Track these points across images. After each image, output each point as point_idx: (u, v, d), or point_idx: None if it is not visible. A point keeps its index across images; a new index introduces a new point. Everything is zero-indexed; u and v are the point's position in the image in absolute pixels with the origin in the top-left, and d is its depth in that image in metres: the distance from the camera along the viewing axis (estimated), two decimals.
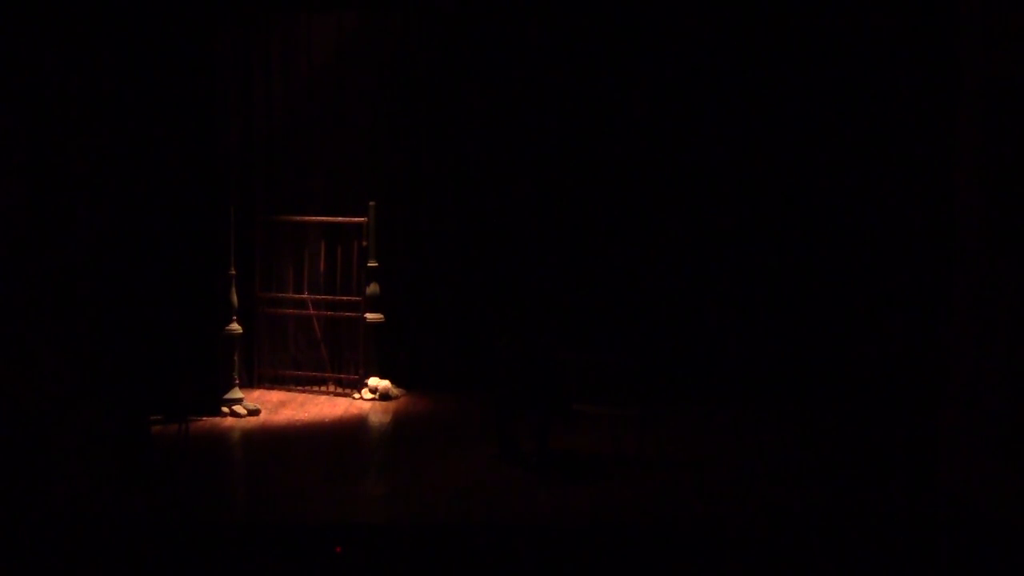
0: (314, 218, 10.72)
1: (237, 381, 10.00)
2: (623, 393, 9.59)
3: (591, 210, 10.59)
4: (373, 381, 10.44)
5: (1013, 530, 6.66)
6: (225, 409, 9.71)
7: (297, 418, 9.71)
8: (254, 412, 9.75)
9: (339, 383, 10.72)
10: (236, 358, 10.04)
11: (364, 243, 10.48)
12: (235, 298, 10.04)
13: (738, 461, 8.36)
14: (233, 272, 10.02)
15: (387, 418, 9.82)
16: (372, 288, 10.44)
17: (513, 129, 10.64)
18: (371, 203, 10.41)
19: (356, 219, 10.55)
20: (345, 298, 10.71)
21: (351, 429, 9.50)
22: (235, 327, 10.03)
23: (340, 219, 10.66)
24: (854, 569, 6.34)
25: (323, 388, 10.68)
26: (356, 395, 10.46)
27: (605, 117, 10.55)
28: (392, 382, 10.50)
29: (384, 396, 10.35)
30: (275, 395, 10.50)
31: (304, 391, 10.63)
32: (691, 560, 6.47)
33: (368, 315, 10.46)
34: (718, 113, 10.40)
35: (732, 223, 10.44)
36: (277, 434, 9.23)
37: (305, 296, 10.77)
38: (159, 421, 8.79)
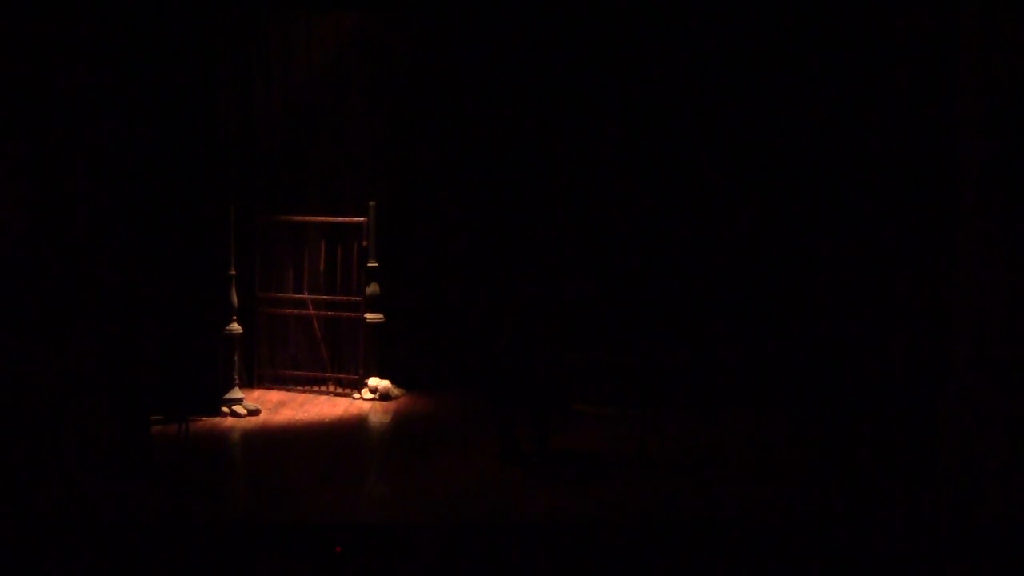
0: (314, 218, 10.72)
1: (237, 381, 10.00)
2: (623, 393, 9.60)
3: (591, 210, 10.59)
4: (373, 381, 10.44)
5: (1013, 531, 6.66)
6: (225, 409, 9.71)
7: (297, 418, 9.71)
8: (254, 412, 9.75)
9: (339, 383, 10.72)
10: (236, 358, 10.04)
11: (364, 243, 10.49)
12: (235, 298, 10.04)
13: (738, 461, 8.36)
14: (233, 272, 10.01)
15: (387, 418, 9.82)
16: (372, 288, 10.44)
17: (513, 129, 10.64)
18: (371, 203, 10.42)
19: (356, 219, 10.55)
20: (345, 298, 10.71)
21: (351, 429, 9.50)
22: (235, 327, 10.03)
23: (340, 219, 10.66)
24: (854, 570, 6.34)
25: (323, 388, 10.68)
26: (356, 395, 10.46)
27: (607, 117, 10.54)
28: (392, 382, 10.50)
29: (384, 396, 10.35)
30: (275, 395, 10.50)
31: (304, 391, 10.64)
32: (691, 560, 6.47)
33: (368, 315, 10.46)
34: (718, 113, 10.39)
35: (732, 223, 10.44)
36: (277, 434, 9.23)
37: (305, 296, 10.77)
38: (159, 421, 8.79)
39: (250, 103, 10.63)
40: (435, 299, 10.84)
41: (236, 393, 9.87)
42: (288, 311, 10.81)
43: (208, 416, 9.56)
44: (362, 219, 10.49)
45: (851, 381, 9.91)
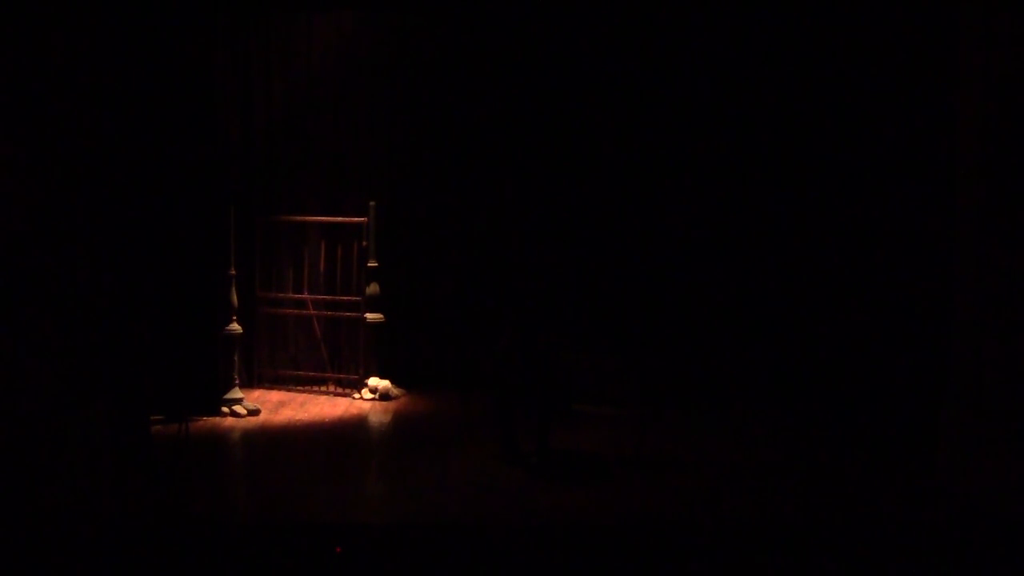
0: (314, 218, 10.72)
1: (237, 381, 10.00)
2: (623, 393, 9.60)
3: (592, 210, 10.59)
4: (373, 381, 10.44)
5: (1013, 528, 6.67)
6: (225, 409, 9.71)
7: (297, 418, 9.71)
8: (254, 412, 9.75)
9: (339, 383, 10.72)
10: (236, 358, 10.04)
11: (364, 243, 10.49)
12: (235, 298, 10.04)
13: (738, 461, 8.35)
14: (233, 272, 10.02)
15: (387, 418, 9.82)
16: (372, 288, 10.45)
17: (514, 128, 10.65)
18: (371, 203, 10.42)
19: (356, 219, 10.56)
20: (345, 298, 10.71)
21: (351, 429, 9.50)
22: (235, 327, 10.03)
23: (340, 219, 10.66)
24: (854, 568, 6.34)
25: (323, 388, 10.68)
26: (356, 395, 10.46)
27: (607, 117, 10.54)
28: (392, 382, 10.50)
29: (384, 396, 10.35)
30: (275, 395, 10.51)
31: (304, 391, 10.64)
32: (691, 560, 6.47)
33: (368, 315, 10.47)
34: (717, 112, 10.39)
35: (732, 223, 10.43)
36: (277, 434, 9.23)
37: (305, 296, 10.78)
38: (159, 421, 8.80)
39: (250, 103, 10.64)
40: (435, 299, 10.85)
41: (236, 393, 9.87)
42: (288, 311, 10.82)
43: (208, 416, 9.56)
44: (362, 219, 10.49)
45: (851, 381, 9.91)
